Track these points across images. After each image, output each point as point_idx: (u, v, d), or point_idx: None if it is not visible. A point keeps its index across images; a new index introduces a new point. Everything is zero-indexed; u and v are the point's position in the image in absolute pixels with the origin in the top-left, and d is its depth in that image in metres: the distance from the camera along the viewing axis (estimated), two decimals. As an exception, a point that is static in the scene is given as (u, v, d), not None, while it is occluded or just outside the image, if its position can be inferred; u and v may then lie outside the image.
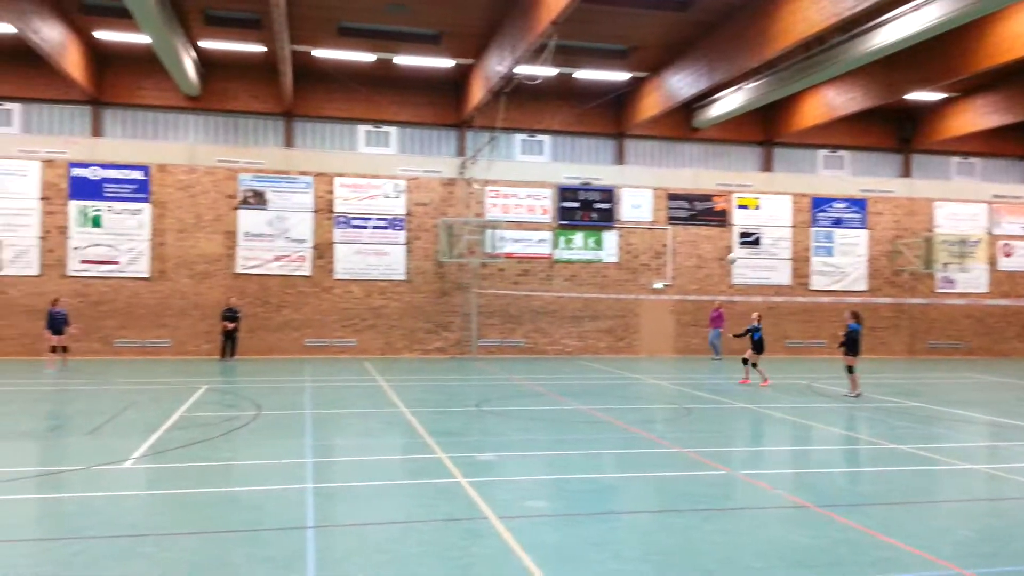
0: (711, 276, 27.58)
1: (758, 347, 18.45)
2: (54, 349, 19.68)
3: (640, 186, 27.24)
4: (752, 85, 22.79)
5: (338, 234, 25.03)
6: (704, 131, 27.72)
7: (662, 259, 27.30)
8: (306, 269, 24.77)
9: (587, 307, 26.64)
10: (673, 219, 27.44)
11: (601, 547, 6.54)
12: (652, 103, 24.49)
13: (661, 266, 27.26)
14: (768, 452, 11.46)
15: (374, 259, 25.25)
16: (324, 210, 24.98)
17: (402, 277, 25.47)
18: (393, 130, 26.15)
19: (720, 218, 27.76)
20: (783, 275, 28.13)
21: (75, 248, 23.27)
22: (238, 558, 6.12)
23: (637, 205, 27.18)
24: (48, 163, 23.25)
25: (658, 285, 27.07)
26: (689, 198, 27.55)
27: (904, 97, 23.72)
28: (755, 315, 19.29)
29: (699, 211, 27.62)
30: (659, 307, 27.06)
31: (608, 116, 27.08)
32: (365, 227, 25.23)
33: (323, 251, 24.92)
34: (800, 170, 29.01)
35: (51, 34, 19.31)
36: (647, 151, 28.00)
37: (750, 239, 27.90)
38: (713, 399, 16.08)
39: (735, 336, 20.83)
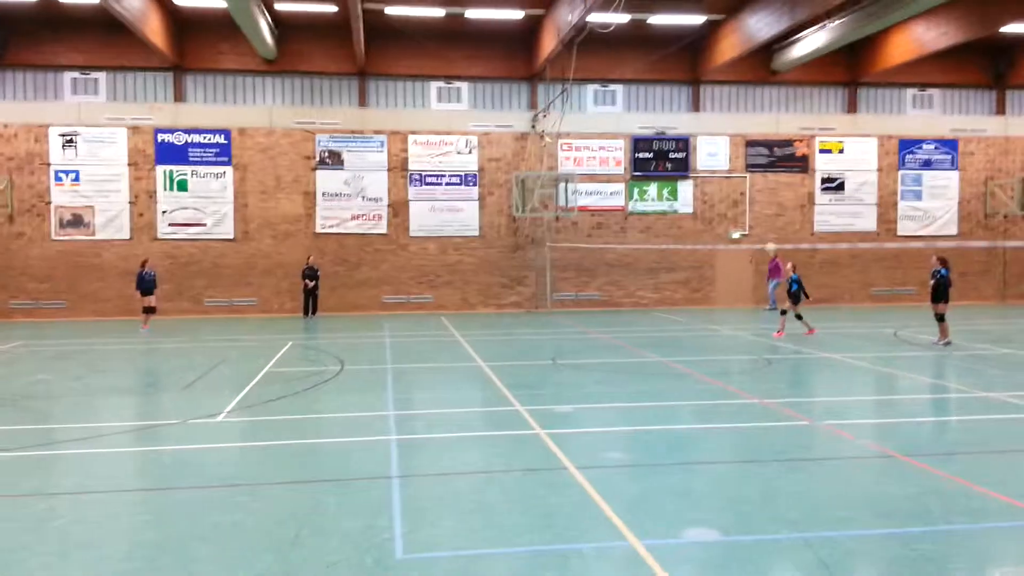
0: (791, 224, 26.84)
1: (795, 298, 18.01)
2: (146, 310, 20.12)
3: (717, 133, 26.56)
4: (836, 23, 21.77)
5: (412, 192, 25.28)
6: (784, 74, 26.74)
7: (740, 208, 26.68)
8: (382, 227, 25.16)
9: (663, 259, 26.34)
10: (752, 166, 26.72)
11: (681, 497, 6.56)
12: (729, 47, 23.73)
13: (739, 215, 26.67)
14: (852, 402, 11.21)
15: (448, 215, 25.45)
16: (398, 168, 25.24)
17: (476, 233, 25.62)
18: (464, 85, 26.09)
19: (801, 163, 26.89)
20: (868, 221, 27.16)
21: (163, 212, 24.18)
22: (328, 506, 6.37)
23: (713, 153, 26.55)
24: (134, 129, 24.09)
25: (735, 235, 26.52)
26: (769, 144, 26.75)
27: (999, 30, 22.35)
28: (789, 265, 18.96)
29: (779, 157, 26.80)
30: (736, 257, 26.54)
31: (683, 62, 26.38)
32: (439, 184, 25.41)
33: (398, 209, 25.24)
34: (887, 111, 27.78)
35: (133, 2, 19.85)
36: (724, 97, 27.22)
37: (833, 184, 26.98)
38: (794, 349, 15.77)
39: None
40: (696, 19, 23.99)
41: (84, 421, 10.03)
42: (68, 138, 23.73)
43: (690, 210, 26.50)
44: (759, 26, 21.78)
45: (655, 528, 5.80)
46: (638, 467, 7.55)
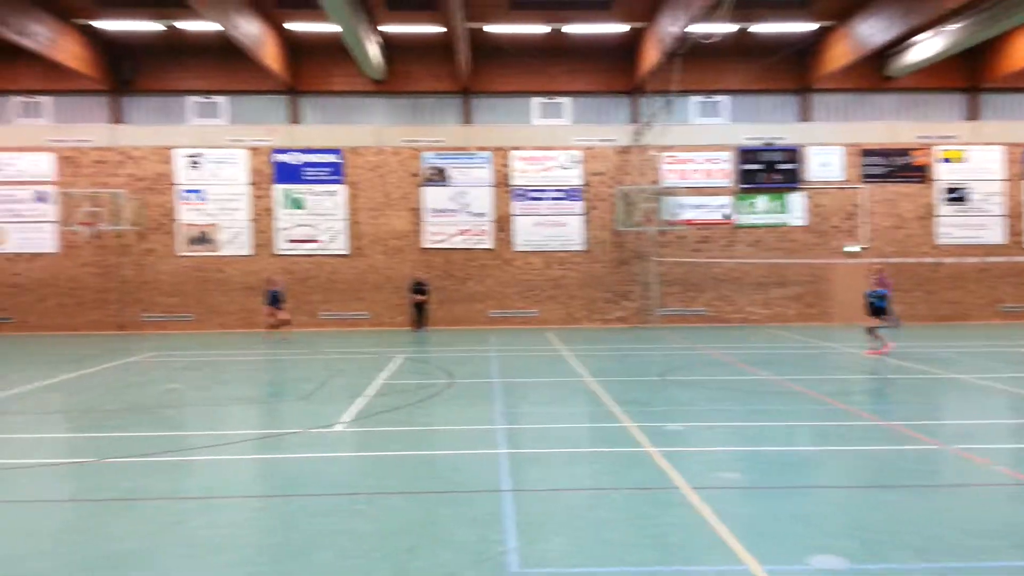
0: (912, 236, 25.61)
1: (876, 312, 17.40)
2: (274, 325, 21.31)
3: (828, 143, 25.67)
4: (955, 27, 20.75)
5: (516, 206, 25.51)
6: (898, 80, 25.63)
7: (855, 220, 25.67)
8: (488, 242, 25.48)
9: (773, 273, 25.60)
10: (867, 177, 25.68)
11: (801, 521, 6.34)
12: (840, 53, 22.96)
13: (854, 227, 25.65)
14: (985, 425, 10.57)
15: (552, 230, 25.54)
16: (502, 184, 25.53)
17: (580, 247, 25.60)
18: (567, 100, 26.19)
19: (920, 174, 25.65)
20: (995, 233, 25.61)
21: (282, 228, 25.26)
22: (443, 517, 6.47)
23: (826, 163, 25.66)
24: (254, 150, 25.29)
25: (852, 248, 25.51)
26: (885, 153, 25.65)
27: None
28: (877, 277, 18.57)
29: (897, 167, 25.65)
30: (853, 271, 25.49)
31: (791, 71, 25.67)
32: (542, 199, 25.55)
33: (503, 224, 25.51)
34: (1013, 117, 26.15)
35: (250, 29, 20.90)
36: (835, 105, 26.31)
37: (955, 195, 25.61)
38: (919, 368, 15.02)
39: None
40: (804, 26, 23.32)
41: (211, 429, 10.55)
42: (193, 159, 25.15)
43: (802, 222, 25.68)
44: (871, 31, 20.98)
45: (776, 553, 5.63)
46: (755, 489, 7.34)
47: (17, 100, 25.57)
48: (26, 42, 20.13)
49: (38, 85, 25.30)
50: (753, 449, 8.93)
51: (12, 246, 25.00)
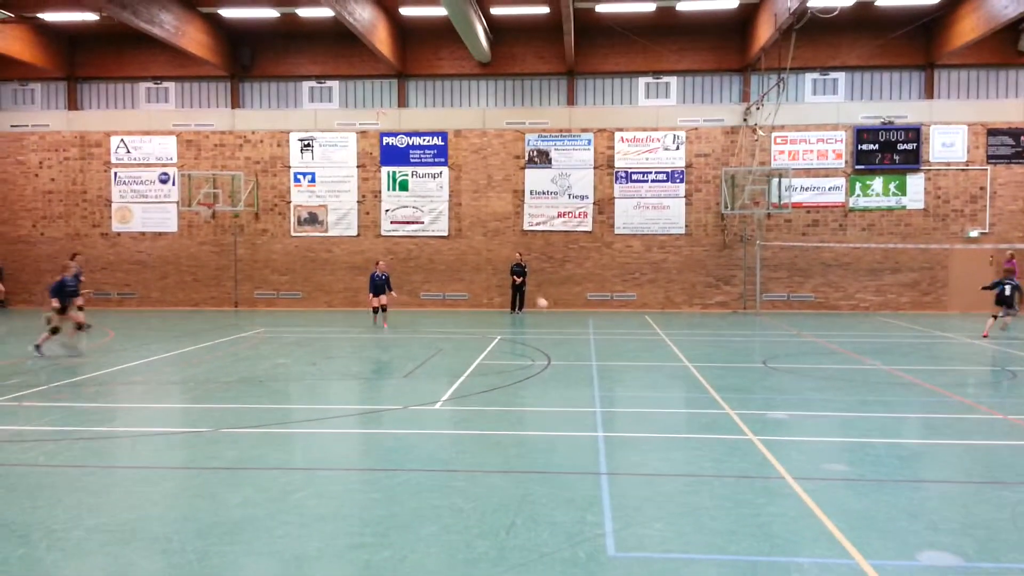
0: (1042, 221, 24.00)
1: (1003, 301, 17.07)
2: (375, 310, 20.49)
3: (953, 122, 24.28)
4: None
5: (618, 189, 25.27)
6: (1035, 54, 23.96)
7: (979, 203, 24.22)
8: (587, 225, 25.37)
9: (887, 258, 24.50)
10: (994, 158, 24.16)
11: (912, 516, 6.08)
12: (969, 27, 21.61)
13: (978, 211, 24.22)
14: (1120, 426, 9.84)
15: (653, 213, 25.19)
16: (604, 166, 25.32)
17: (681, 231, 25.16)
18: (673, 80, 25.68)
19: (1055, 154, 23.96)
20: None
21: (386, 210, 25.87)
22: (540, 497, 6.53)
23: (949, 144, 24.29)
24: (362, 134, 25.95)
25: (973, 233, 24.11)
26: (1015, 133, 24.06)
27: None
28: (1007, 264, 18.24)
29: (1028, 147, 24.05)
30: (974, 257, 24.11)
31: (914, 45, 24.36)
32: (644, 181, 25.21)
33: (603, 207, 25.33)
34: None
35: (363, 15, 21.38)
36: (962, 82, 24.81)
37: (1095, 177, 23.78)
38: (1045, 362, 14.10)
39: (983, 288, 18.73)
40: (931, -2, 22.07)
41: (318, 403, 10.97)
42: (305, 142, 26.02)
43: (921, 205, 24.43)
44: (1004, 4, 19.64)
45: (885, 548, 5.42)
46: (863, 482, 7.08)
47: (144, 86, 27.06)
48: (155, 30, 21.25)
49: (164, 72, 26.71)
50: (861, 440, 8.60)
51: (137, 225, 26.58)
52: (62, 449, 8.18)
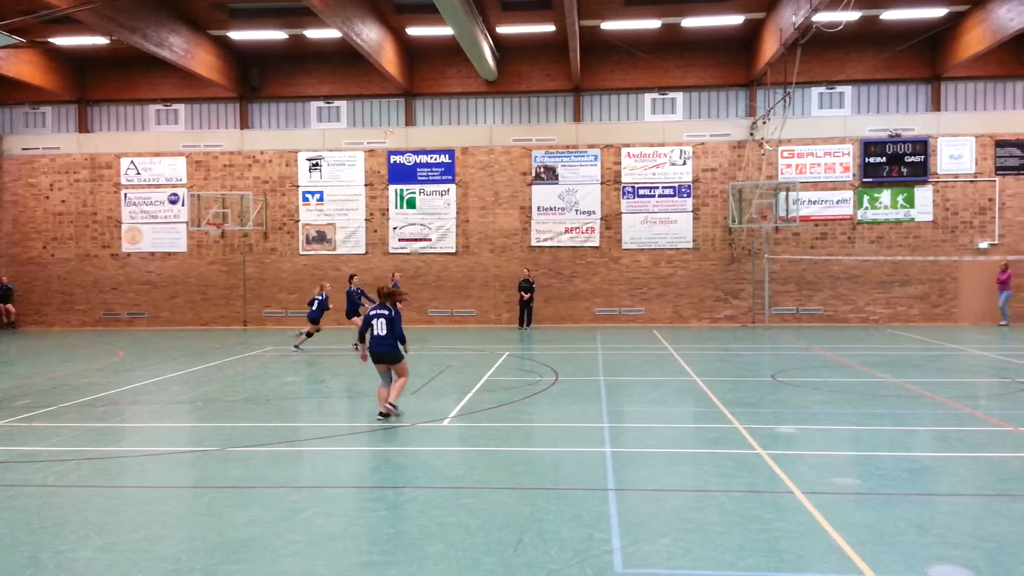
0: (1052, 232, 23.87)
1: None
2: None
3: (960, 134, 24.24)
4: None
5: (625, 204, 25.31)
6: (1041, 65, 23.93)
7: (987, 215, 24.14)
8: (595, 240, 25.39)
9: (896, 271, 24.41)
10: (1002, 169, 24.10)
11: (922, 530, 6.03)
12: (975, 39, 21.62)
13: (986, 223, 24.13)
14: None
15: (661, 228, 25.20)
16: (611, 181, 25.37)
17: (689, 245, 25.15)
18: (679, 95, 25.76)
19: (1064, 165, 23.87)
20: None
21: (394, 228, 25.97)
22: (547, 514, 6.51)
23: (957, 155, 24.24)
24: (370, 152, 26.10)
25: (983, 244, 24.01)
26: (1023, 144, 24.00)
27: None
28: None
29: (1036, 158, 23.97)
30: (983, 269, 24.00)
31: (920, 59, 24.38)
32: (651, 196, 25.24)
33: (611, 222, 25.36)
34: None
35: (371, 35, 21.56)
36: (969, 94, 24.79)
37: (1105, 187, 23.67)
38: (1057, 374, 13.99)
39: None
40: (936, 11, 22.07)
41: (325, 421, 10.98)
42: (314, 162, 26.19)
43: (929, 218, 24.36)
44: (1010, 15, 19.65)
45: (894, 563, 5.38)
46: (872, 495, 7.03)
47: (154, 108, 27.32)
48: (164, 53, 21.48)
49: (173, 94, 26.97)
50: (870, 454, 8.55)
51: (147, 245, 26.75)
52: (71, 469, 8.21)
